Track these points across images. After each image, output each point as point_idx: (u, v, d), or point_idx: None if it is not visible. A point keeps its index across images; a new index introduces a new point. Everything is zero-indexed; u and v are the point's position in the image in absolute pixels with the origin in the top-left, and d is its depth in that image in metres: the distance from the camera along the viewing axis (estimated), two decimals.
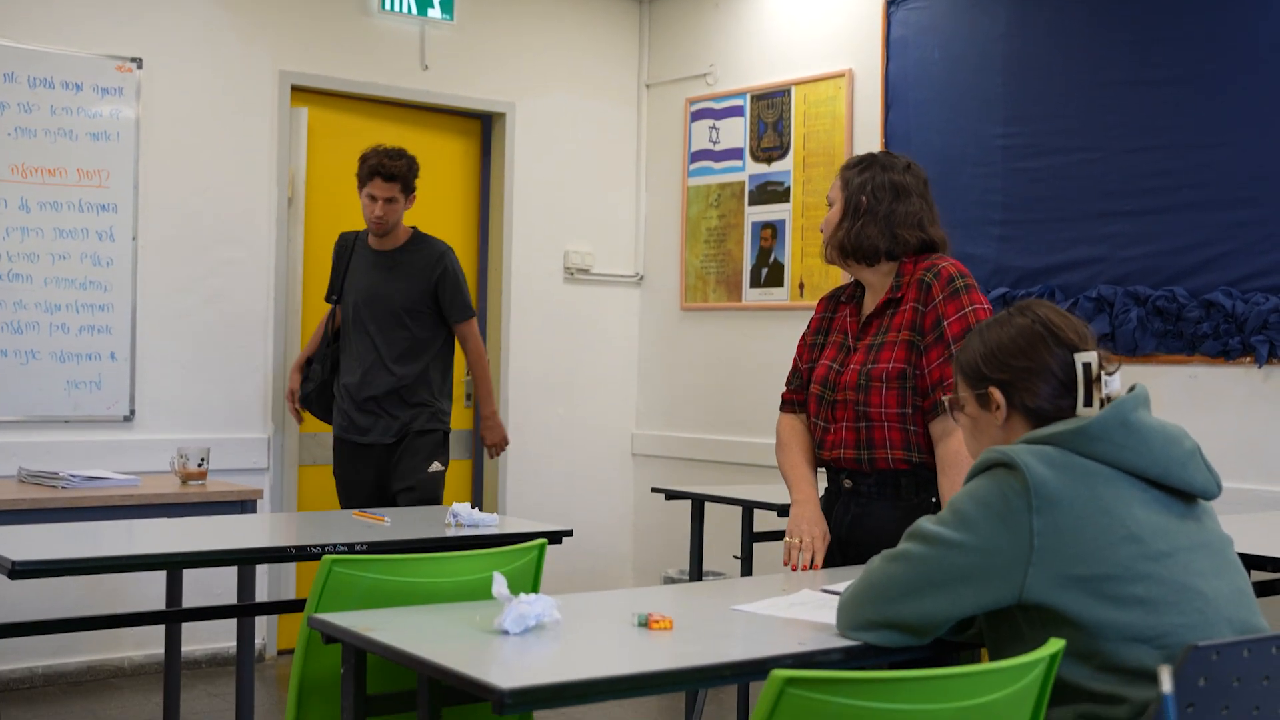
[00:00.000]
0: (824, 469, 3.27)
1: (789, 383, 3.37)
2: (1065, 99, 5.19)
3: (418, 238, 5.40)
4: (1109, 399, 2.25)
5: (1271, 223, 4.61)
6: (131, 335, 5.48)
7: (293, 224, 5.90)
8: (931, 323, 3.05)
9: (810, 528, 3.16)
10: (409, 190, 5.28)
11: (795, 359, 3.36)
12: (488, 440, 5.49)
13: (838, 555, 3.18)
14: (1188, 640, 2.06)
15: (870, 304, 3.22)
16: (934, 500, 3.06)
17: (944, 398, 2.47)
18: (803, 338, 3.37)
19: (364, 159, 5.23)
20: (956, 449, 2.95)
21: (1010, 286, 5.31)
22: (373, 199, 5.22)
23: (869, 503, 3.13)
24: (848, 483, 3.18)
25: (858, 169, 3.21)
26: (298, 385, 5.39)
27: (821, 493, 3.28)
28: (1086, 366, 2.24)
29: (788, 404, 3.35)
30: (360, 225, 6.25)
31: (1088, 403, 2.23)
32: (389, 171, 5.18)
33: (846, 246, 3.16)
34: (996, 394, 2.31)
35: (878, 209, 3.15)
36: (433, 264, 5.29)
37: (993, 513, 2.13)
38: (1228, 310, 4.66)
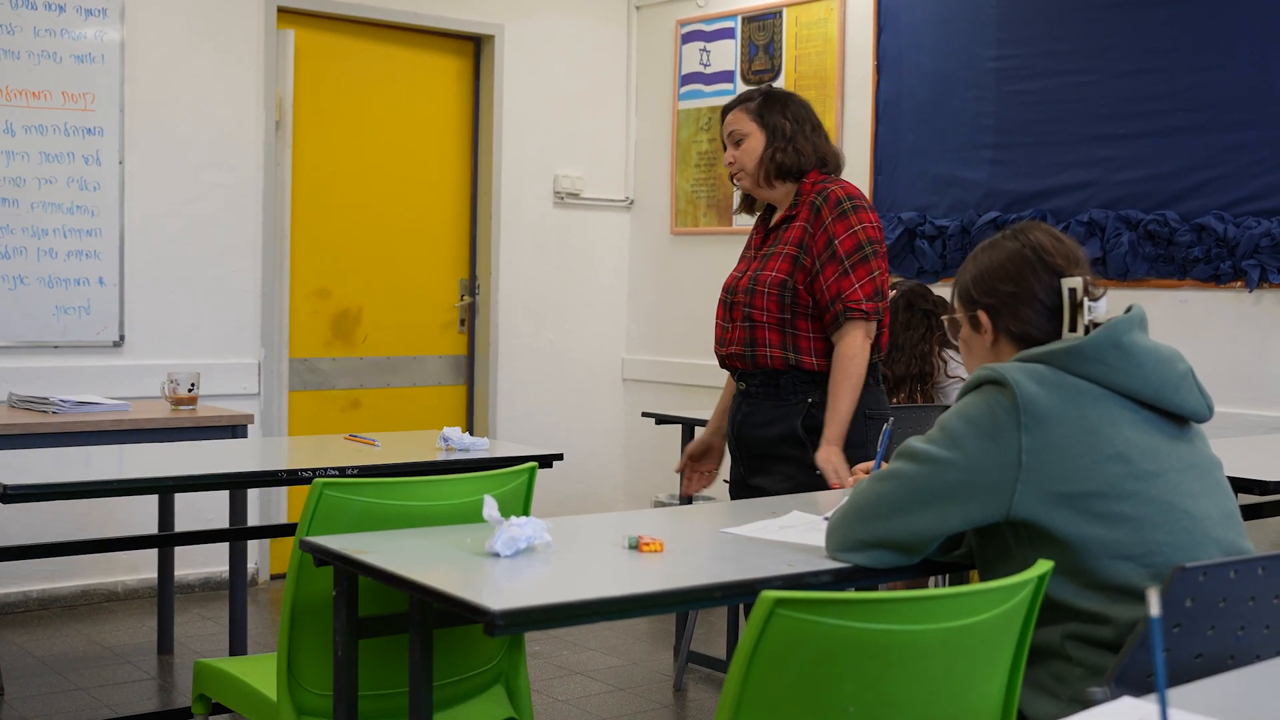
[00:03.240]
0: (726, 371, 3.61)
1: None
2: (1059, 21, 5.15)
3: None
4: (1095, 324, 2.25)
5: (1264, 146, 4.60)
6: (120, 260, 5.45)
7: (280, 147, 5.86)
8: (823, 244, 3.34)
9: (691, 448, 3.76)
10: None
11: None
12: None
13: (735, 448, 3.55)
14: (1174, 559, 2.08)
15: (775, 220, 3.53)
16: (810, 401, 3.37)
17: (947, 319, 2.49)
18: None
19: None
20: (844, 352, 3.31)
21: (1002, 210, 5.30)
22: None
23: (756, 402, 3.46)
24: (741, 385, 3.51)
25: (759, 101, 3.49)
26: None
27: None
28: (1072, 291, 2.24)
29: None
30: (354, 147, 6.22)
31: (1072, 327, 2.24)
32: None
33: (786, 165, 3.43)
34: (984, 317, 2.32)
35: (802, 130, 3.46)
36: None
37: (982, 430, 2.14)
38: (1219, 234, 4.66)
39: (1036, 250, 2.29)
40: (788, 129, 3.44)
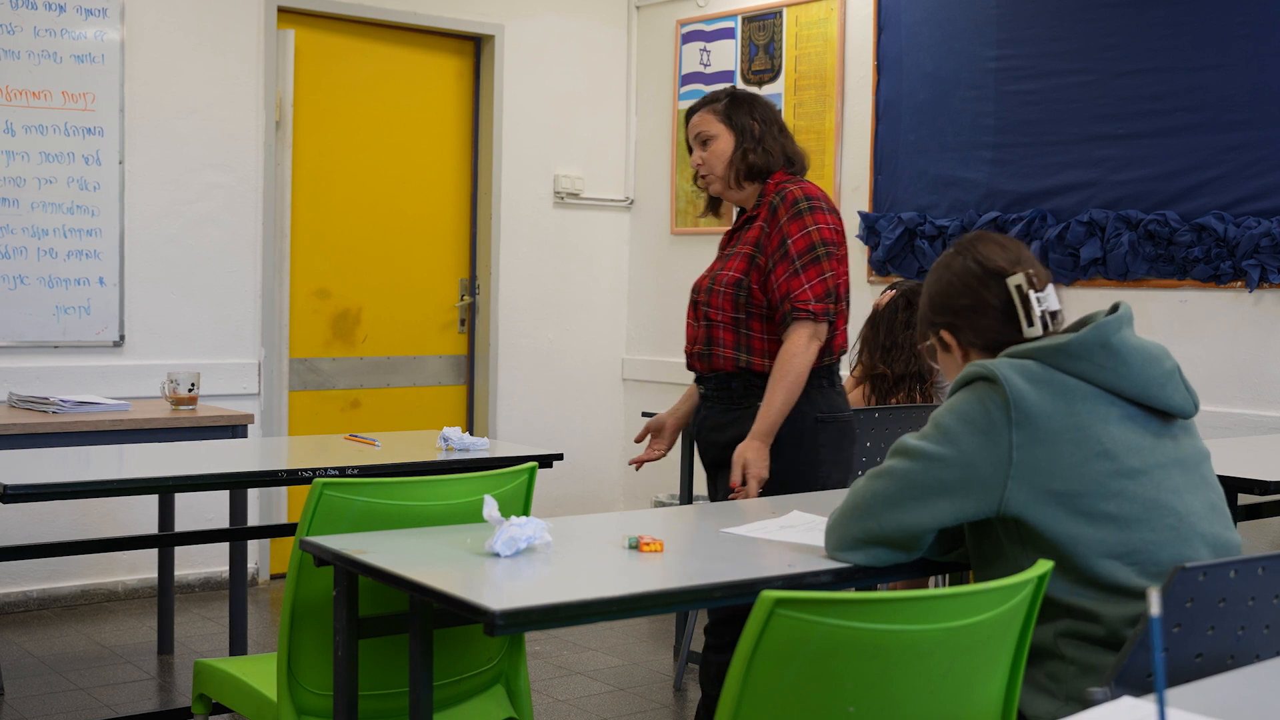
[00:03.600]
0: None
1: None
2: (1058, 20, 5.15)
3: None
4: (1052, 314, 2.30)
5: (1264, 146, 4.59)
6: (120, 260, 5.45)
7: (281, 147, 5.86)
8: (777, 243, 3.32)
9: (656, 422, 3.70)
10: None
11: None
12: None
13: (701, 454, 3.54)
14: (1161, 556, 2.10)
15: (739, 221, 3.53)
16: (758, 407, 3.31)
17: (923, 348, 2.53)
18: None
19: None
20: (786, 350, 3.27)
21: (1002, 211, 5.30)
22: None
23: (711, 406, 3.46)
24: (701, 388, 3.52)
25: (725, 102, 3.48)
26: None
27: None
28: (1018, 288, 2.30)
29: None
30: (354, 147, 6.22)
31: (1030, 322, 2.29)
32: None
33: (756, 166, 3.42)
34: (947, 336, 2.39)
35: (770, 130, 3.46)
36: None
37: (975, 426, 2.16)
38: (1219, 234, 4.66)
39: (979, 260, 2.35)
40: (756, 129, 3.44)
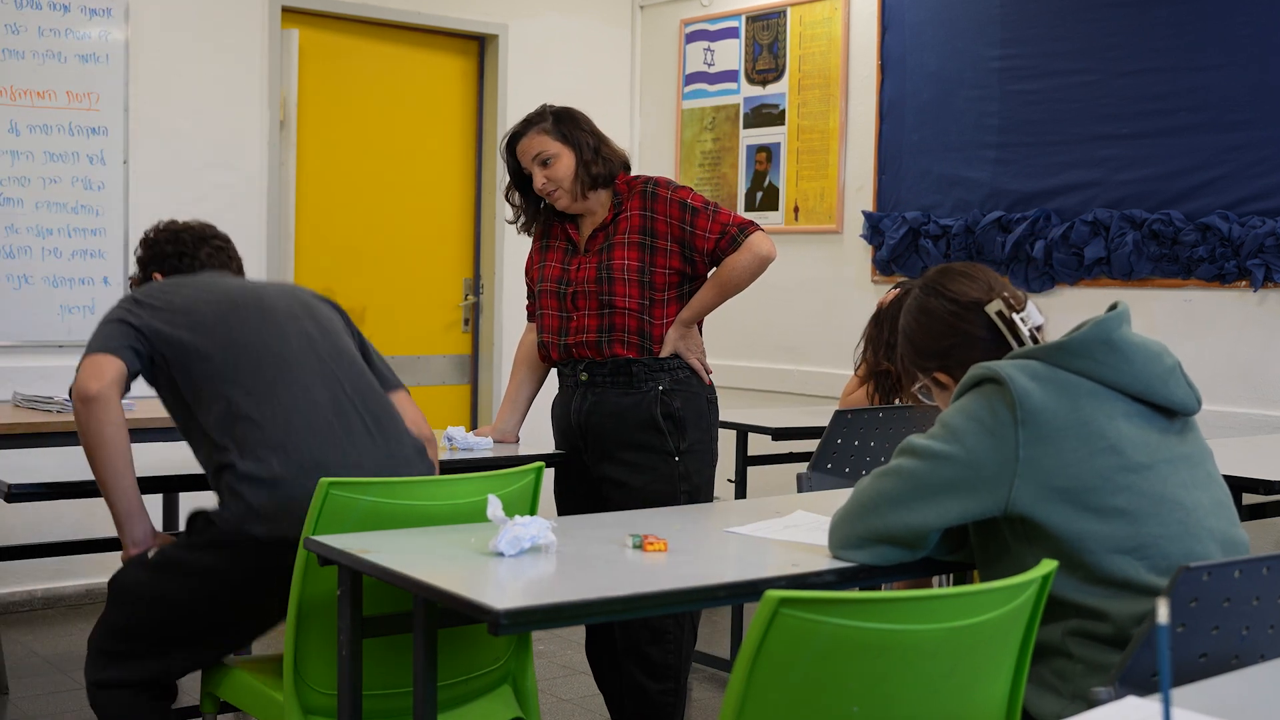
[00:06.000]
0: (561, 364, 3.64)
1: (529, 298, 3.74)
2: (1061, 20, 5.15)
3: None
4: (1039, 328, 2.33)
5: (1268, 146, 4.59)
6: (124, 260, 5.45)
7: (285, 147, 5.86)
8: (678, 210, 3.48)
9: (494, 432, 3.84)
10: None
11: (527, 282, 3.73)
12: None
13: (578, 439, 3.56)
14: (1169, 551, 2.10)
15: (590, 226, 3.59)
16: (661, 388, 3.46)
17: (915, 391, 2.53)
18: (527, 266, 3.73)
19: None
20: (730, 263, 3.46)
21: (1006, 210, 5.30)
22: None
23: (603, 391, 3.52)
24: (584, 375, 3.55)
25: (551, 121, 3.56)
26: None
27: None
28: (999, 314, 2.32)
29: (530, 314, 3.74)
30: (358, 147, 6.21)
31: (1020, 344, 2.30)
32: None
33: (601, 175, 3.53)
34: (943, 378, 2.40)
35: (600, 140, 3.59)
36: None
37: (982, 426, 2.17)
38: (1224, 234, 4.65)
39: (953, 298, 2.36)
40: (590, 141, 3.56)
